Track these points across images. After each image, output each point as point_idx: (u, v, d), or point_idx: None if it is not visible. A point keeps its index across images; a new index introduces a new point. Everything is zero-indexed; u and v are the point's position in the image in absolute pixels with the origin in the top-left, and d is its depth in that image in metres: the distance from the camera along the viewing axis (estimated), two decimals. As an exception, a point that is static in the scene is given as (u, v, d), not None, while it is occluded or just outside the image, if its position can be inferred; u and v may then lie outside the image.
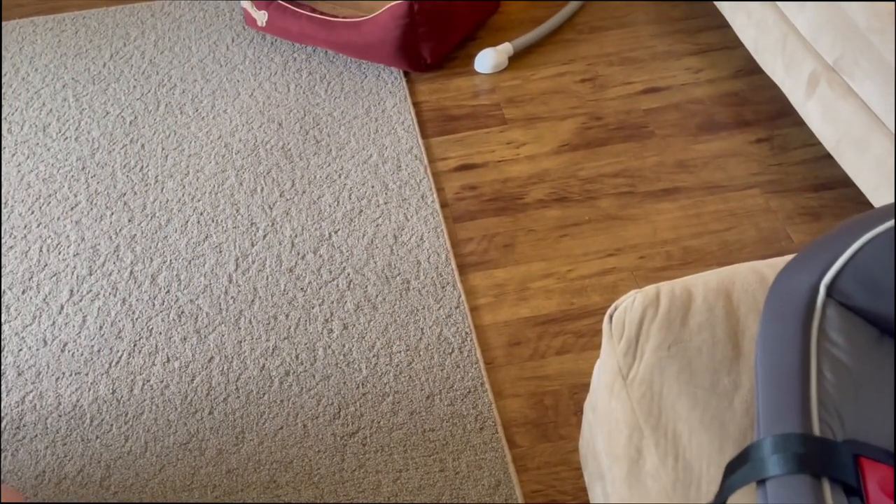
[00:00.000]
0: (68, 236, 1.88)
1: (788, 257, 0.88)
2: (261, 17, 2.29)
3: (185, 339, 1.66)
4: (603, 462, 0.98)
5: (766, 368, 0.69)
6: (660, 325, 0.90)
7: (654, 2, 2.43)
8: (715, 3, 2.10)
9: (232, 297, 1.73)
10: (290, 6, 2.23)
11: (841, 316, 0.71)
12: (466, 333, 1.63)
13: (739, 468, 0.66)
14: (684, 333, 0.89)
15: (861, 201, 1.67)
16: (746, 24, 1.95)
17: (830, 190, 1.85)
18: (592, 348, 1.61)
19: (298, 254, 1.81)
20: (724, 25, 2.09)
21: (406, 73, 2.24)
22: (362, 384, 1.56)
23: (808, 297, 0.70)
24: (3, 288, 1.77)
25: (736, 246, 1.76)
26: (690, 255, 1.76)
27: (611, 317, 0.95)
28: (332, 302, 1.71)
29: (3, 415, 1.56)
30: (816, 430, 0.64)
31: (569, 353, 1.61)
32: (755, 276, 0.92)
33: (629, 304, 0.93)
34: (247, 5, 2.32)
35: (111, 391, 1.58)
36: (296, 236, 1.84)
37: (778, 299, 0.72)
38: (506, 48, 2.25)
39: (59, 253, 1.84)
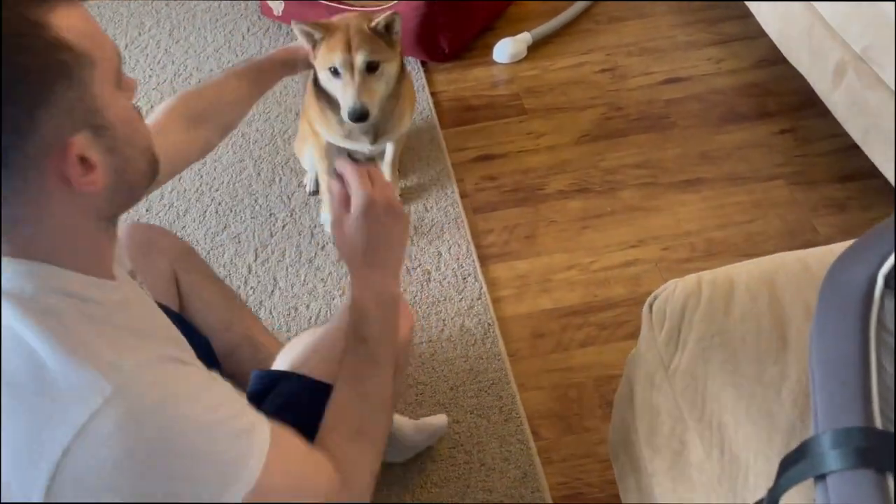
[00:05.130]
0: (86, 226, 1.87)
1: (835, 246, 0.86)
2: (277, 6, 2.27)
3: (205, 329, 1.65)
4: (641, 454, 0.97)
5: (824, 361, 0.68)
6: (702, 314, 0.88)
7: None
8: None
9: (251, 288, 1.72)
10: (307, -5, 2.22)
11: (899, 306, 0.69)
12: (489, 325, 1.62)
13: (797, 463, 0.64)
14: (728, 323, 0.88)
15: (889, 192, 1.65)
16: (771, 13, 1.93)
17: (856, 181, 1.83)
18: (616, 340, 1.60)
19: (318, 244, 1.79)
20: (745, 15, 2.06)
21: (424, 64, 2.22)
22: (385, 376, 1.55)
23: (865, 287, 0.69)
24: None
25: (761, 238, 1.74)
26: (714, 246, 1.74)
27: (650, 306, 0.94)
28: (353, 293, 1.69)
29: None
30: (879, 424, 0.63)
31: (592, 345, 1.60)
32: (799, 265, 0.91)
33: (670, 293, 0.92)
34: (263, -6, 2.31)
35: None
36: (315, 226, 1.83)
37: (834, 290, 0.70)
38: (524, 38, 2.23)
39: (78, 243, 1.83)
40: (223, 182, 1.93)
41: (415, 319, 1.30)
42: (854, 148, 1.70)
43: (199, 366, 0.78)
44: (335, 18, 1.50)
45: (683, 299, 0.91)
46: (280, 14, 2.28)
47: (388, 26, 1.47)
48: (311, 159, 1.83)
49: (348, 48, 1.44)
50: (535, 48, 2.25)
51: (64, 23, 0.66)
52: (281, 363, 1.04)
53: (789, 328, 0.86)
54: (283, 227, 1.83)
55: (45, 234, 0.72)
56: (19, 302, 0.70)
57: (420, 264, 1.73)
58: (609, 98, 2.10)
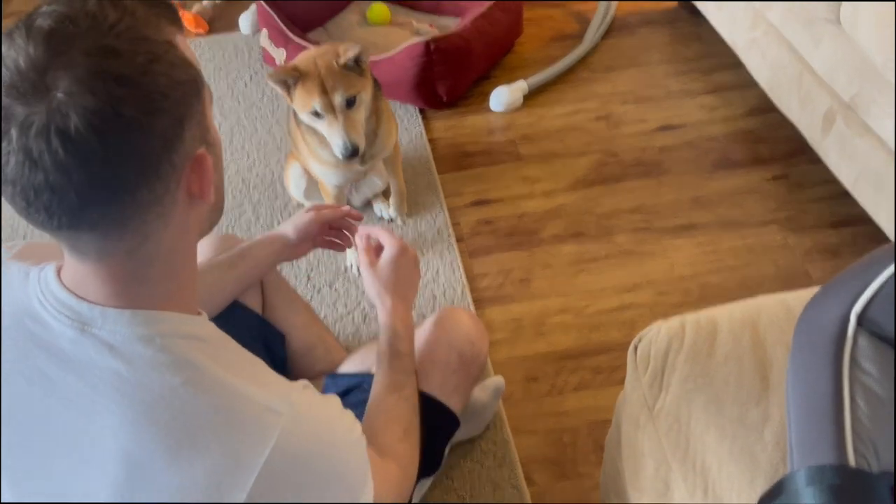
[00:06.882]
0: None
1: (815, 289, 0.87)
2: (279, 55, 2.33)
3: (200, 372, 1.66)
4: (628, 496, 0.96)
5: (799, 399, 0.68)
6: (686, 356, 0.89)
7: (668, 41, 2.46)
8: (730, 44, 2.12)
9: (248, 331, 1.73)
10: (308, 45, 2.27)
11: (872, 345, 0.70)
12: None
13: (774, 500, 0.65)
14: (711, 365, 0.88)
15: (881, 239, 1.66)
16: (761, 63, 1.97)
17: (849, 227, 1.84)
18: (611, 385, 1.59)
19: (314, 287, 1.81)
20: (737, 65, 2.11)
21: (422, 111, 2.27)
22: (378, 419, 1.55)
23: (838, 326, 0.70)
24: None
25: (754, 282, 1.75)
26: (708, 291, 1.75)
27: (635, 348, 0.94)
28: (348, 335, 1.70)
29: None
30: (852, 462, 0.63)
31: (587, 389, 1.59)
32: (781, 307, 0.92)
33: (654, 336, 0.93)
34: (266, 44, 2.36)
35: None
36: (311, 270, 1.84)
37: (808, 329, 0.71)
38: (520, 86, 2.28)
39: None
40: (222, 225, 1.96)
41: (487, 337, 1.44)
42: (846, 194, 1.72)
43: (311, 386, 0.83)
44: (301, 58, 1.55)
45: (667, 341, 0.92)
46: (282, 63, 2.33)
47: (357, 60, 1.52)
48: (297, 190, 1.90)
49: (324, 90, 1.49)
50: (531, 96, 2.29)
51: (182, 45, 0.71)
52: (353, 367, 1.27)
53: (772, 370, 0.86)
54: (280, 270, 1.84)
55: (158, 258, 0.73)
56: (158, 354, 0.71)
57: (415, 308, 1.74)
58: (604, 145, 2.13)
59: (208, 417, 0.70)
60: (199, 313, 0.81)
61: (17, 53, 0.63)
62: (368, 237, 1.16)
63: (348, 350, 1.61)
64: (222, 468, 0.69)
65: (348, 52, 1.50)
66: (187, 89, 0.69)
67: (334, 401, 0.83)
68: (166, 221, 0.71)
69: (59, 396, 0.72)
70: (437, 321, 1.31)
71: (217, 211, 0.80)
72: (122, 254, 0.71)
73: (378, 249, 1.14)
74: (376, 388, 1.04)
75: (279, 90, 1.55)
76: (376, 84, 1.66)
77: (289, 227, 1.28)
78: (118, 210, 0.67)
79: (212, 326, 0.81)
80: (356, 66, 1.52)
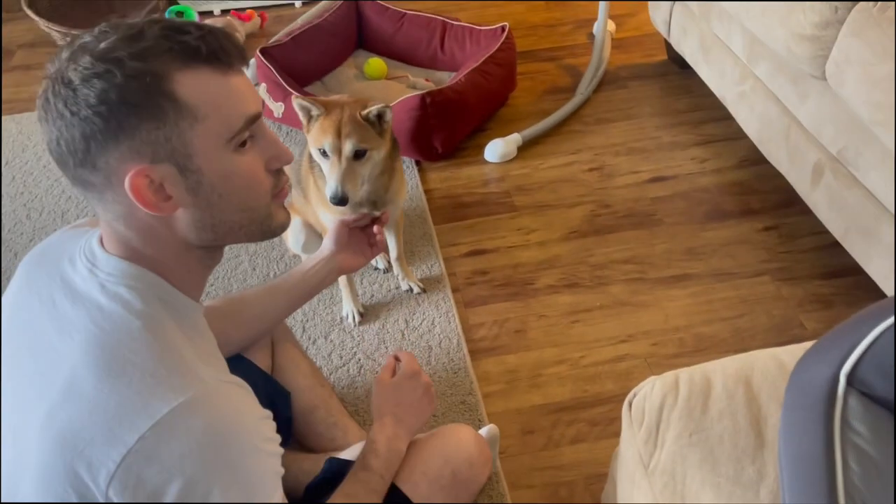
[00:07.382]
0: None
1: (806, 344, 0.88)
2: (277, 108, 2.37)
3: (194, 425, 1.64)
4: (624, 556, 0.95)
5: (791, 460, 0.68)
6: (680, 412, 0.89)
7: (658, 94, 2.51)
8: (719, 98, 2.16)
9: (242, 383, 1.72)
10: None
11: (863, 406, 0.70)
12: (479, 422, 1.61)
13: (769, 563, 0.64)
14: (705, 421, 0.88)
15: (873, 289, 1.68)
16: (750, 116, 2.01)
17: (841, 277, 1.86)
18: (607, 437, 1.58)
19: (310, 338, 1.80)
20: (727, 118, 2.15)
21: (418, 162, 2.30)
22: (373, 473, 1.53)
23: (828, 386, 0.70)
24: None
25: (748, 333, 1.76)
26: (703, 342, 1.75)
27: (630, 404, 0.95)
28: (344, 387, 1.69)
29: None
30: (847, 523, 0.63)
31: (583, 442, 1.58)
32: (774, 362, 0.92)
33: (648, 391, 0.93)
34: (264, 97, 2.40)
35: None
36: (307, 321, 1.85)
37: (798, 390, 0.72)
38: (514, 139, 2.32)
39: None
40: (218, 276, 1.97)
41: (492, 469, 1.40)
42: (837, 245, 1.74)
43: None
44: (333, 97, 1.59)
45: (661, 397, 0.92)
46: (280, 116, 2.37)
47: (380, 116, 1.54)
48: (296, 243, 1.91)
49: (338, 134, 1.51)
50: (525, 148, 2.33)
51: (188, 82, 0.79)
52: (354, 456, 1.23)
53: (766, 426, 0.86)
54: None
55: (141, 241, 0.85)
56: (133, 299, 0.83)
57: (411, 359, 1.74)
58: (597, 196, 2.16)
59: (143, 359, 0.79)
60: (198, 302, 0.92)
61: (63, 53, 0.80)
62: (397, 358, 1.22)
63: (344, 402, 1.61)
64: (130, 405, 0.76)
65: (371, 107, 1.52)
66: (139, 111, 0.77)
67: (263, 411, 0.87)
68: (129, 209, 0.82)
69: (57, 320, 0.84)
70: (438, 432, 1.27)
71: (205, 230, 0.87)
72: (111, 220, 0.84)
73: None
74: (339, 490, 1.06)
75: (300, 116, 1.56)
76: (395, 145, 1.68)
77: (324, 241, 1.42)
78: (73, 177, 0.81)
79: (199, 315, 0.91)
80: (378, 123, 1.55)
